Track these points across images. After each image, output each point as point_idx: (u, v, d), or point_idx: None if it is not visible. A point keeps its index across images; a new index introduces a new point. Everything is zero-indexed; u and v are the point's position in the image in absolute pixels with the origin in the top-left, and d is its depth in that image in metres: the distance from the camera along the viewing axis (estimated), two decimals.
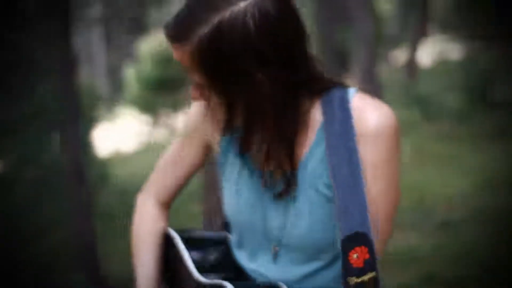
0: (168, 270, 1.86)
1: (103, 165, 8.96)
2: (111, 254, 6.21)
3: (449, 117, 11.82)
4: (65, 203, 5.29)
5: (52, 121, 5.13)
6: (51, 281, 5.20)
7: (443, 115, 12.01)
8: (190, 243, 1.80)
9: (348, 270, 1.40)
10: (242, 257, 1.75)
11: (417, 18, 17.32)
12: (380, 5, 21.32)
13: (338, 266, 1.55)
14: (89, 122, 8.50)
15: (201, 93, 1.52)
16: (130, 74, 18.57)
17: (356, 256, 1.40)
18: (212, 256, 1.81)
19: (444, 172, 8.57)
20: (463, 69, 14.03)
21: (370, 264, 1.40)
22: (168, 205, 1.91)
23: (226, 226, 1.89)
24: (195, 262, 1.74)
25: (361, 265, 1.40)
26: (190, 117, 1.79)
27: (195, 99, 1.54)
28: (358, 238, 1.40)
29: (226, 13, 1.38)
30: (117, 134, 16.05)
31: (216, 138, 1.69)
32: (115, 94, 21.43)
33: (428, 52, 22.13)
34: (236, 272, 1.75)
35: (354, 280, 1.39)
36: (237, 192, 1.67)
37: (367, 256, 1.40)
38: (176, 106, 17.93)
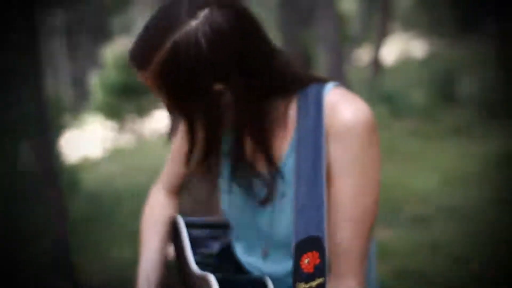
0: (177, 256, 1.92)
1: (72, 171, 8.92)
2: (85, 260, 6.19)
3: (415, 114, 11.89)
4: (40, 210, 5.28)
5: (22, 130, 5.11)
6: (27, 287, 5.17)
7: (409, 112, 12.08)
8: (194, 230, 1.85)
9: (298, 274, 1.40)
10: (239, 250, 1.78)
11: (380, 18, 17.45)
12: (343, 6, 21.47)
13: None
14: (56, 130, 8.47)
15: (170, 109, 1.54)
16: (95, 81, 18.48)
17: (307, 261, 1.40)
18: (214, 245, 1.86)
19: (412, 168, 8.63)
20: (427, 66, 14.18)
21: (320, 270, 1.39)
22: (177, 193, 1.98)
23: None
24: (195, 250, 1.78)
25: (311, 270, 1.39)
26: None
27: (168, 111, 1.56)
28: (312, 243, 1.40)
29: (179, 34, 1.39)
30: (84, 141, 15.96)
31: None
32: (81, 102, 21.29)
33: (391, 51, 22.33)
34: (235, 264, 1.79)
35: (302, 285, 1.39)
36: (230, 190, 1.70)
37: (317, 261, 1.39)
38: (141, 112, 17.89)
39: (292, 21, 12.95)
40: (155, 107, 18.14)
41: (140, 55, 1.45)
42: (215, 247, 1.85)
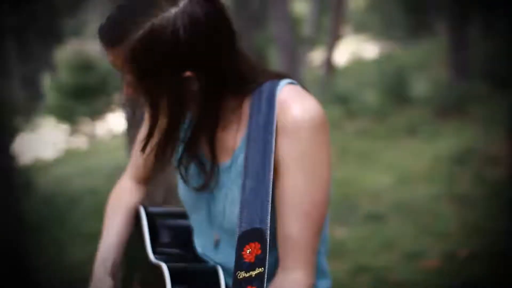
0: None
1: (26, 173, 8.85)
2: (40, 260, 6.15)
3: (367, 114, 11.99)
4: None
5: None
6: None
7: (362, 112, 12.18)
8: (156, 219, 1.88)
9: (239, 264, 1.43)
10: (195, 239, 1.81)
11: (332, 20, 17.57)
12: (295, 7, 21.57)
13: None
14: (8, 132, 8.37)
15: (133, 92, 1.56)
16: (47, 83, 18.28)
17: (249, 252, 1.43)
18: (174, 233, 1.87)
19: (365, 167, 8.72)
20: (379, 67, 14.30)
21: (260, 260, 1.42)
22: (144, 183, 1.97)
23: None
24: (155, 238, 1.80)
25: (252, 260, 1.42)
26: None
27: (127, 96, 1.57)
28: (254, 234, 1.44)
29: (158, 19, 1.43)
30: (37, 143, 15.77)
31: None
32: (33, 104, 20.99)
33: (344, 52, 22.48)
34: (193, 253, 1.81)
35: (242, 274, 1.42)
36: (186, 176, 1.72)
37: (259, 252, 1.43)
38: (94, 114, 17.75)
39: (244, 22, 12.98)
40: (108, 109, 18.02)
41: (112, 33, 1.47)
42: (175, 236, 1.87)
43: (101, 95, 17.75)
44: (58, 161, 14.03)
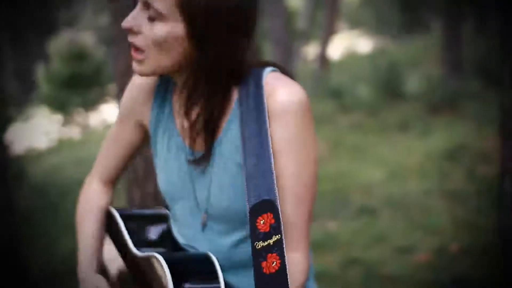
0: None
1: (19, 163, 8.85)
2: (33, 251, 6.16)
3: (361, 108, 12.01)
4: None
5: None
6: None
7: (355, 106, 12.21)
8: (131, 220, 1.87)
9: (255, 235, 1.45)
10: (175, 230, 1.82)
11: (326, 14, 17.58)
12: (290, 1, 21.57)
13: None
14: (1, 122, 8.37)
15: (140, 56, 1.58)
16: (41, 74, 18.24)
17: (263, 222, 1.45)
18: (152, 231, 1.88)
19: (357, 162, 8.74)
20: (372, 62, 14.30)
21: (275, 229, 1.45)
22: (112, 184, 1.98)
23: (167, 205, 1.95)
24: (134, 237, 1.80)
25: (267, 229, 1.45)
26: (124, 99, 1.85)
27: (135, 59, 1.59)
28: (265, 205, 1.46)
29: None
30: (30, 133, 15.74)
31: (146, 116, 1.80)
32: (26, 95, 20.96)
33: (338, 47, 22.48)
34: (173, 246, 1.82)
35: (261, 244, 1.45)
36: (167, 166, 1.75)
37: (272, 221, 1.45)
38: (87, 105, 17.73)
39: None
40: (101, 100, 18.00)
41: None
42: (151, 234, 1.88)
43: (94, 86, 17.74)
44: (51, 151, 14.01)
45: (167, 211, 1.92)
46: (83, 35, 18.66)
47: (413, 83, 13.23)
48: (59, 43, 17.83)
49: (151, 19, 1.53)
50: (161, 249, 1.80)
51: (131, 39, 1.57)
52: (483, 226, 5.63)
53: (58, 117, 17.99)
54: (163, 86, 1.76)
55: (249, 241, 1.64)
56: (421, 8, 21.61)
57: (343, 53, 23.20)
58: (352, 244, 5.81)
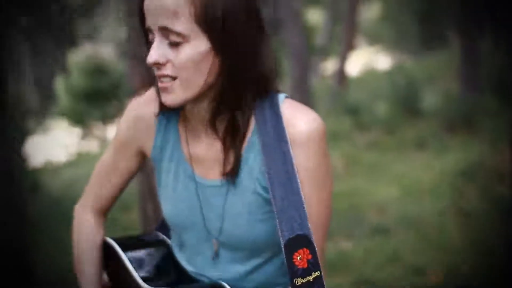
0: (111, 279, 1.88)
1: (35, 175, 8.89)
2: (44, 262, 6.17)
3: (378, 126, 11.98)
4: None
5: None
6: None
7: (372, 124, 12.18)
8: (130, 249, 1.82)
9: (293, 272, 1.44)
10: (183, 259, 1.77)
11: (345, 30, 17.58)
12: (310, 17, 21.60)
13: (277, 261, 1.63)
14: (20, 133, 8.44)
15: (171, 84, 1.52)
16: (60, 86, 18.37)
17: (300, 258, 1.45)
18: (152, 259, 1.83)
19: (373, 180, 8.72)
20: (390, 79, 14.27)
21: (313, 264, 1.45)
22: (105, 213, 1.92)
23: (161, 228, 1.93)
24: (136, 267, 1.76)
25: (305, 265, 1.45)
26: (122, 125, 1.79)
27: (164, 91, 1.53)
28: (300, 240, 1.45)
29: None
30: (48, 146, 15.84)
31: (147, 144, 1.74)
32: (46, 107, 21.09)
33: (356, 63, 22.46)
34: (178, 275, 1.77)
35: (300, 281, 1.44)
36: (174, 195, 1.70)
37: (309, 256, 1.45)
38: (105, 118, 17.83)
39: None
40: (120, 114, 18.06)
41: None
42: (151, 263, 1.83)
43: (113, 100, 17.83)
44: (69, 164, 14.08)
45: (164, 236, 1.89)
46: (102, 48, 18.79)
47: (430, 99, 13.19)
48: (79, 56, 17.98)
49: (174, 45, 1.48)
50: (165, 279, 1.77)
51: (160, 71, 1.51)
52: (497, 246, 5.59)
53: (77, 130, 18.09)
54: (165, 115, 1.71)
55: (263, 267, 1.65)
56: (441, 23, 21.55)
57: (361, 69, 23.17)
58: (365, 263, 5.78)
